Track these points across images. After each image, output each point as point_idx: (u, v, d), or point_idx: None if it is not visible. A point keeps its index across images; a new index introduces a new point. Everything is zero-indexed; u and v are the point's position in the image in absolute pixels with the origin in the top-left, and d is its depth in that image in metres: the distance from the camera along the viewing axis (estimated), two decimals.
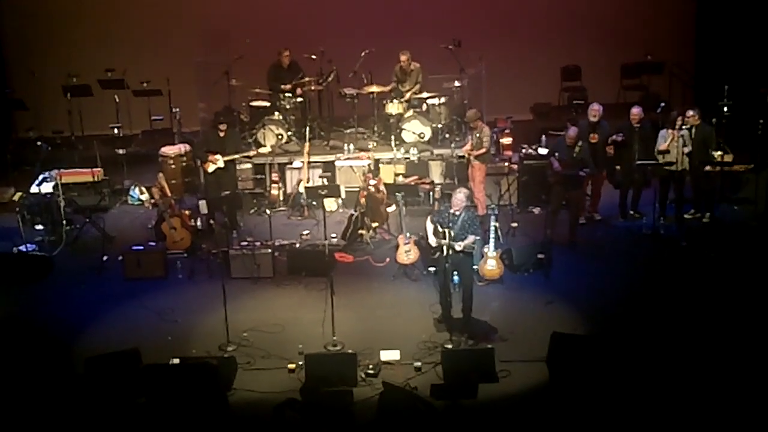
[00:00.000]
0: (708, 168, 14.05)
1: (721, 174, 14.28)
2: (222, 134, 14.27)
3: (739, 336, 10.88)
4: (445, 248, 10.90)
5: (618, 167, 14.50)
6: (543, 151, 15.15)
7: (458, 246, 10.91)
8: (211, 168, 14.15)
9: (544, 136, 15.98)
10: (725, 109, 15.77)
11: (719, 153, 13.96)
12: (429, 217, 11.49)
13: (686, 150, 13.81)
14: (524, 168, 15.14)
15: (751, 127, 15.00)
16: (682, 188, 14.22)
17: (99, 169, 16.04)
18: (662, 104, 15.70)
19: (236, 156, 14.40)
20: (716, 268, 12.69)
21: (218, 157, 14.09)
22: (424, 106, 16.33)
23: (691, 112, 13.97)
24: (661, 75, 18.33)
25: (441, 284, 11.31)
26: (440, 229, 11.01)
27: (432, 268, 12.48)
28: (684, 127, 13.85)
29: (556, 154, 13.69)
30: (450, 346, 10.75)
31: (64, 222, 14.22)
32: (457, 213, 11.03)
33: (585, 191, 14.48)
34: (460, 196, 11.06)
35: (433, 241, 11.17)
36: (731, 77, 16.49)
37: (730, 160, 14.17)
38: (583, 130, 14.16)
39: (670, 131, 13.92)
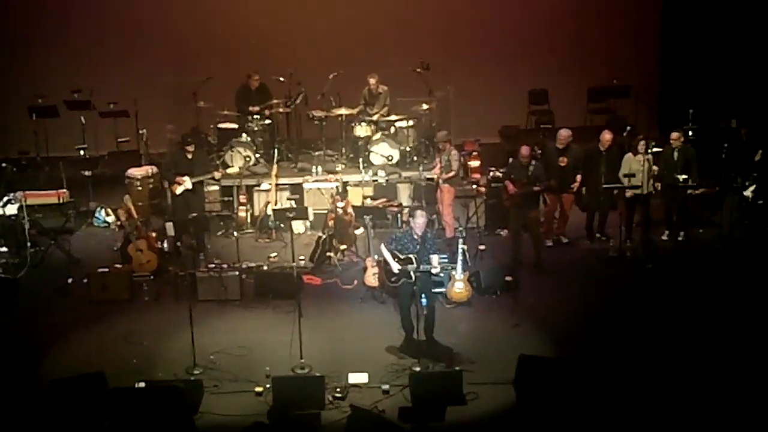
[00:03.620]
0: (692, 192, 14.25)
1: (698, 196, 14.51)
2: (190, 156, 14.20)
3: (706, 357, 10.94)
4: (413, 273, 10.94)
5: (585, 190, 14.60)
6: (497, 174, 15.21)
7: (435, 269, 11.00)
8: (179, 190, 14.08)
9: (511, 159, 16.08)
10: (690, 133, 15.96)
11: (684, 176, 14.09)
12: (383, 245, 11.44)
13: (656, 168, 13.98)
14: (492, 191, 15.17)
15: (716, 151, 15.15)
16: (647, 211, 14.33)
17: (65, 190, 15.92)
18: (628, 128, 15.84)
19: (204, 177, 14.35)
20: (682, 290, 12.77)
21: (186, 178, 14.03)
22: (393, 129, 16.36)
23: (675, 134, 14.22)
24: (627, 99, 18.50)
25: (404, 308, 11.29)
26: (401, 256, 11.06)
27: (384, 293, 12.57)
28: (650, 150, 14.02)
29: (512, 176, 13.77)
30: (418, 369, 10.73)
31: (29, 244, 14.09)
32: (417, 237, 11.08)
33: (551, 212, 14.59)
34: (421, 220, 11.10)
35: (395, 267, 11.17)
36: (696, 102, 16.69)
37: (695, 184, 14.30)
38: (551, 154, 14.27)
39: (633, 155, 14.07)
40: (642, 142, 13.97)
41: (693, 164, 14.16)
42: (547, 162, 14.15)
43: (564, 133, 14.32)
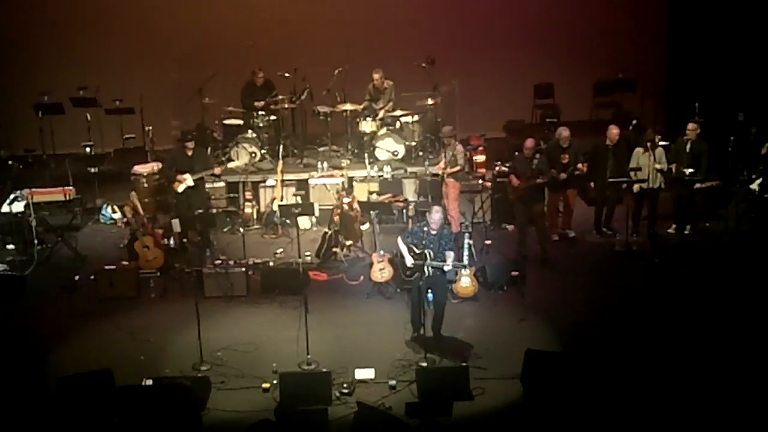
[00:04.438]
0: (698, 185, 14.22)
1: (704, 190, 14.49)
2: (190, 153, 14.21)
3: (712, 350, 10.93)
4: (426, 268, 10.96)
5: (592, 184, 14.58)
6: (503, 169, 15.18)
7: (447, 267, 11.03)
8: (180, 188, 14.09)
9: (516, 153, 16.05)
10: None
11: (690, 170, 14.07)
12: (400, 238, 11.47)
13: (658, 167, 13.96)
14: (498, 185, 15.17)
15: (722, 144, 15.13)
16: (654, 205, 14.33)
17: (71, 187, 15.95)
18: (634, 121, 15.81)
19: (205, 174, 14.35)
20: (689, 284, 12.75)
21: (186, 176, 14.04)
22: (398, 124, 16.35)
23: (692, 125, 14.20)
24: (633, 93, 18.47)
25: (414, 303, 11.31)
26: (416, 250, 11.08)
27: (399, 289, 12.56)
28: (660, 144, 14.04)
29: (516, 170, 13.78)
30: (424, 364, 10.74)
31: (36, 241, 14.09)
32: (434, 232, 11.08)
33: (554, 207, 14.58)
34: (437, 216, 11.09)
35: (410, 262, 11.17)
36: (702, 95, 16.65)
37: (701, 177, 14.28)
38: (554, 151, 14.22)
39: (644, 150, 14.07)
40: (654, 135, 13.98)
41: (703, 159, 14.14)
42: (549, 160, 14.11)
43: (564, 133, 14.27)
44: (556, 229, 14.61)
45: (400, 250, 11.40)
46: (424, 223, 11.38)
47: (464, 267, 11.96)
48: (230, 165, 15.04)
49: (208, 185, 15.09)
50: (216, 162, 15.41)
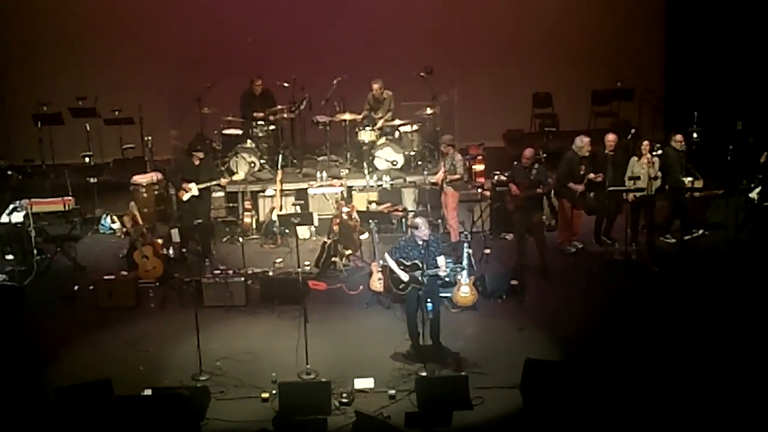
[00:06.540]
0: (699, 194, 14.26)
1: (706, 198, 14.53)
2: (197, 162, 14.22)
3: (712, 360, 10.92)
4: (421, 278, 10.95)
5: (591, 194, 14.57)
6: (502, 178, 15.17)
7: (442, 272, 11.06)
8: (185, 196, 14.10)
9: (515, 162, 16.05)
10: (695, 135, 15.94)
11: (689, 179, 14.07)
12: (387, 254, 11.42)
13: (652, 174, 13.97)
14: (497, 195, 15.16)
15: (721, 153, 15.14)
16: (652, 213, 14.31)
17: (70, 198, 15.93)
18: (632, 130, 15.82)
19: (211, 184, 14.35)
20: (688, 293, 12.75)
21: (192, 185, 14.05)
22: (397, 134, 16.37)
23: (679, 137, 14.25)
24: (631, 101, 18.48)
25: (410, 313, 11.29)
26: (406, 263, 11.07)
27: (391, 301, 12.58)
28: (654, 153, 14.02)
29: (515, 179, 13.78)
30: (424, 374, 10.72)
31: (35, 252, 14.10)
32: (421, 242, 11.07)
33: (566, 219, 14.53)
34: (424, 229, 11.05)
35: (404, 276, 11.15)
36: (701, 104, 16.67)
37: (701, 186, 14.28)
38: (575, 162, 14.15)
39: (638, 159, 14.06)
40: (645, 144, 13.96)
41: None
42: (570, 171, 14.09)
43: (587, 139, 14.20)
44: (573, 240, 14.55)
45: (389, 265, 11.37)
46: (411, 235, 11.37)
47: (463, 269, 11.94)
48: (235, 177, 15.06)
49: None
50: (218, 173, 15.40)
